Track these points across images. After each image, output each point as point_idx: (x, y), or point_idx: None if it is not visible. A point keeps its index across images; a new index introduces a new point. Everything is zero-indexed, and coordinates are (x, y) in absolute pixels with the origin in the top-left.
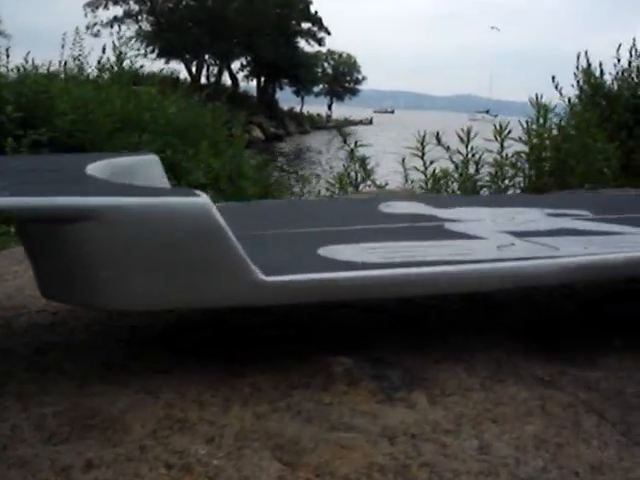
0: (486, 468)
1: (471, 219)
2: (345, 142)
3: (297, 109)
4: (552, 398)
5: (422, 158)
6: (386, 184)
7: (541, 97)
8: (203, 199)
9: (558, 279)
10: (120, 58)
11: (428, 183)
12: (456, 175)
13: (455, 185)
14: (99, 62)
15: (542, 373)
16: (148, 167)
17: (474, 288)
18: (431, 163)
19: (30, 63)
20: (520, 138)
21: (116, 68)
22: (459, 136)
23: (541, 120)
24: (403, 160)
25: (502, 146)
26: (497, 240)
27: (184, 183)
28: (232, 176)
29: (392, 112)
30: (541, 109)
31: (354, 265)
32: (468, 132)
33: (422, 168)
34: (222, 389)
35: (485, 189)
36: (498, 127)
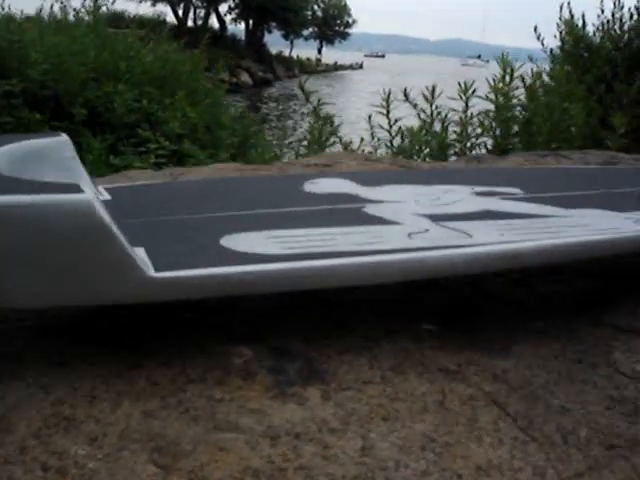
0: (363, 472)
1: (394, 200)
2: (308, 100)
3: (286, 53)
4: (453, 392)
5: (387, 116)
6: (350, 142)
7: (507, 55)
8: (86, 195)
9: (465, 270)
10: (97, 4)
11: (393, 142)
12: (423, 133)
13: (424, 146)
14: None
15: (449, 363)
16: (59, 150)
17: (373, 280)
18: (396, 121)
19: (6, 10)
20: (487, 96)
21: (92, 15)
22: (424, 95)
23: (507, 79)
24: (370, 117)
25: (467, 105)
26: (411, 226)
27: (159, 134)
28: (210, 126)
29: (383, 56)
30: (507, 67)
31: (250, 257)
32: (433, 89)
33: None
34: (117, 383)
35: (451, 149)
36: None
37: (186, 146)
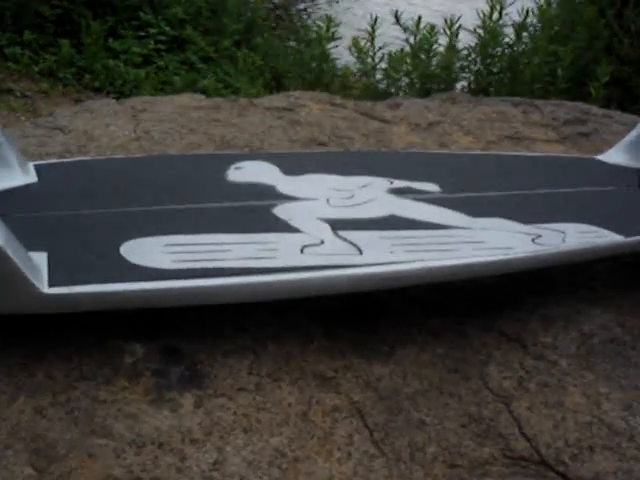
0: None
1: (307, 197)
2: None
3: None
4: (320, 402)
5: (372, 42)
6: None
7: None
8: None
9: (347, 290)
10: None
11: (375, 70)
12: (408, 61)
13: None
14: None
15: (326, 369)
16: None
17: (253, 300)
18: (380, 48)
19: None
20: (474, 30)
21: None
22: (400, 25)
23: (496, 14)
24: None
25: (451, 39)
26: (309, 236)
27: (161, 17)
28: (216, 10)
29: None
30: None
31: (143, 272)
32: (419, 18)
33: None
34: (19, 376)
35: (434, 82)
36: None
37: (188, 32)
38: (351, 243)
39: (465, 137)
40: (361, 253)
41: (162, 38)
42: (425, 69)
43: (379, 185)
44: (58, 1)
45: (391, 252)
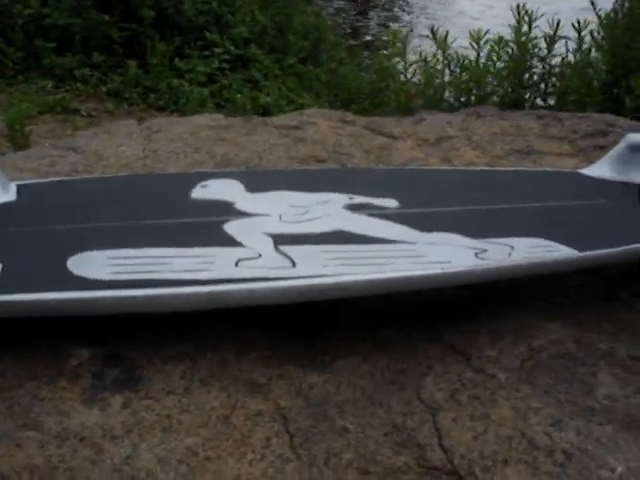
0: (114, 478)
1: (262, 213)
2: None
3: None
4: (244, 406)
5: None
6: None
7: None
8: None
9: (276, 302)
10: None
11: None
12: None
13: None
14: None
15: (260, 376)
16: None
17: (184, 309)
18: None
19: None
20: (506, 43)
21: None
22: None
23: (525, 27)
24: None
25: (478, 54)
26: (250, 249)
27: (226, 37)
28: (282, 29)
29: None
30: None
31: (79, 283)
32: (446, 34)
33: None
34: None
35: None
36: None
37: (252, 51)
38: (287, 257)
39: (472, 152)
40: (294, 266)
41: (226, 57)
42: (457, 86)
43: (338, 201)
44: (127, 24)
45: (324, 266)
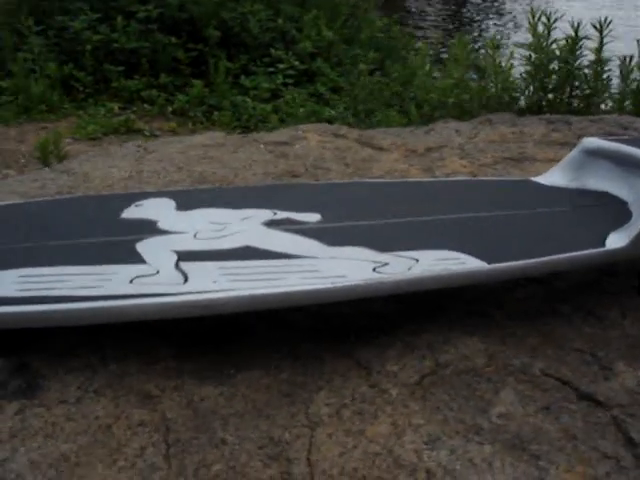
0: None
1: (179, 230)
2: None
3: None
4: (128, 417)
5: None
6: None
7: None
8: None
9: (160, 317)
10: None
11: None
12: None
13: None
14: None
15: (154, 388)
16: None
17: (77, 324)
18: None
19: None
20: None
21: None
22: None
23: (543, 31)
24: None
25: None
26: (151, 266)
27: (291, 53)
28: (350, 41)
29: None
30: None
31: None
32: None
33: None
34: None
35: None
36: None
37: (318, 65)
38: (183, 273)
39: (459, 161)
40: (185, 282)
41: (291, 72)
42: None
43: (260, 217)
44: (193, 44)
45: (214, 282)
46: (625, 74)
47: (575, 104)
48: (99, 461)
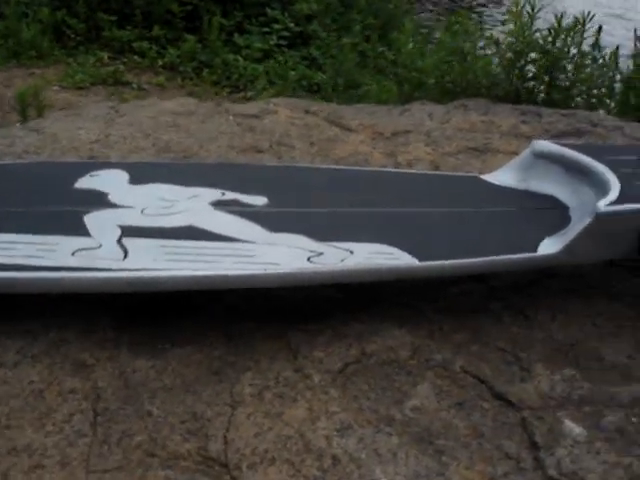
0: None
1: (127, 205)
2: None
3: None
4: (61, 383)
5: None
6: None
7: None
8: None
9: (91, 290)
10: None
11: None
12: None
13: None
14: None
15: (90, 357)
16: None
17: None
18: None
19: None
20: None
21: None
22: None
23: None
24: None
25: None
26: (95, 240)
27: (287, 14)
28: (349, 4)
29: None
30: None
31: None
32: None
33: None
34: None
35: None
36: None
37: (313, 28)
38: (124, 249)
39: (423, 148)
40: (124, 259)
41: (285, 34)
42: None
43: (208, 196)
44: None
45: (154, 260)
46: (607, 68)
47: (554, 95)
48: (29, 425)
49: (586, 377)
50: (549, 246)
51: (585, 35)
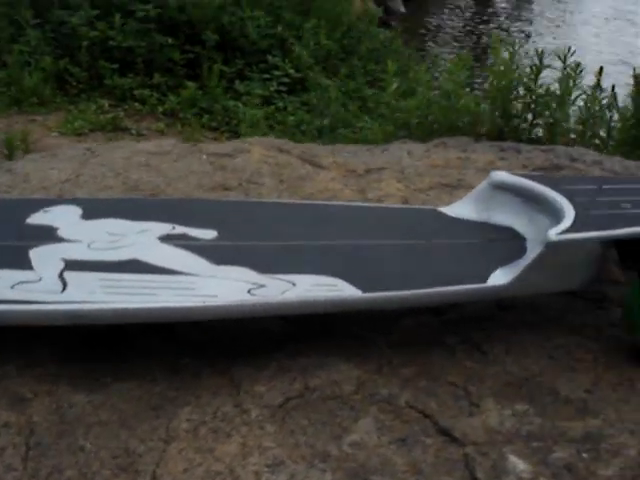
0: None
1: (73, 239)
2: None
3: None
4: None
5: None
6: None
7: None
8: None
9: (25, 323)
10: None
11: None
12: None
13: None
14: None
15: (28, 391)
16: None
17: None
18: None
19: None
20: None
21: None
22: None
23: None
24: None
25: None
26: (36, 273)
27: (287, 61)
28: (350, 53)
29: None
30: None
31: None
32: None
33: None
34: None
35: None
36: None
37: (314, 74)
38: (63, 282)
39: (395, 184)
40: (62, 292)
41: (286, 80)
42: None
43: (158, 230)
44: (191, 46)
45: (91, 292)
46: (587, 106)
47: (540, 133)
48: None
49: (539, 412)
50: (500, 277)
51: (565, 72)
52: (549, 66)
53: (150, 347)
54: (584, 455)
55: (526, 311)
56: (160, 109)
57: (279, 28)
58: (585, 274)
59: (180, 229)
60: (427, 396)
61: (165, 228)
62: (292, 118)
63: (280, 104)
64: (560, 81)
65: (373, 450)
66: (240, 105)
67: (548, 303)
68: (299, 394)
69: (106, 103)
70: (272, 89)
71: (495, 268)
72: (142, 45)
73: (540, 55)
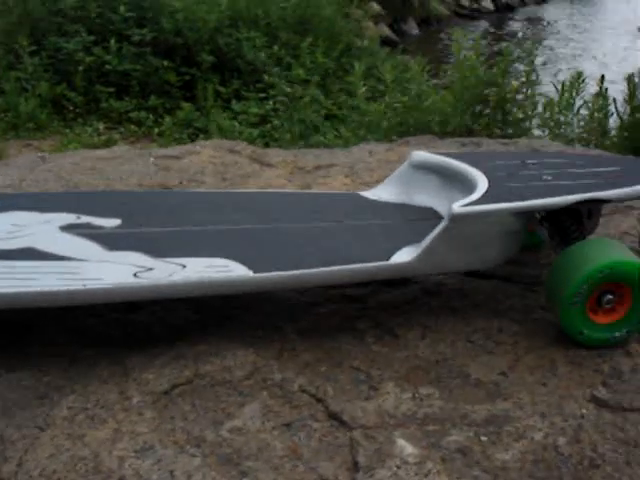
0: None
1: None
2: None
3: None
4: None
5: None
6: None
7: None
8: None
9: None
10: None
11: None
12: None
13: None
14: None
15: None
16: None
17: None
18: None
19: None
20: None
21: None
22: None
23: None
24: None
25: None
26: None
27: (284, 80)
28: (347, 69)
29: None
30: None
31: None
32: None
33: None
34: None
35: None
36: None
37: (311, 92)
38: None
39: (342, 179)
40: None
41: (282, 98)
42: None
43: (61, 220)
44: (187, 68)
45: None
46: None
47: (509, 130)
48: None
49: (444, 396)
50: (404, 255)
51: (533, 67)
52: (517, 58)
53: (53, 339)
54: (482, 438)
55: (453, 296)
56: (156, 130)
57: (275, 48)
58: (500, 251)
59: (85, 219)
60: (325, 381)
61: (69, 218)
62: (288, 136)
63: (276, 122)
64: (527, 75)
65: (254, 435)
66: (236, 124)
67: (477, 287)
68: (188, 381)
69: (102, 126)
70: (269, 107)
71: (403, 247)
72: (138, 68)
73: (507, 53)
